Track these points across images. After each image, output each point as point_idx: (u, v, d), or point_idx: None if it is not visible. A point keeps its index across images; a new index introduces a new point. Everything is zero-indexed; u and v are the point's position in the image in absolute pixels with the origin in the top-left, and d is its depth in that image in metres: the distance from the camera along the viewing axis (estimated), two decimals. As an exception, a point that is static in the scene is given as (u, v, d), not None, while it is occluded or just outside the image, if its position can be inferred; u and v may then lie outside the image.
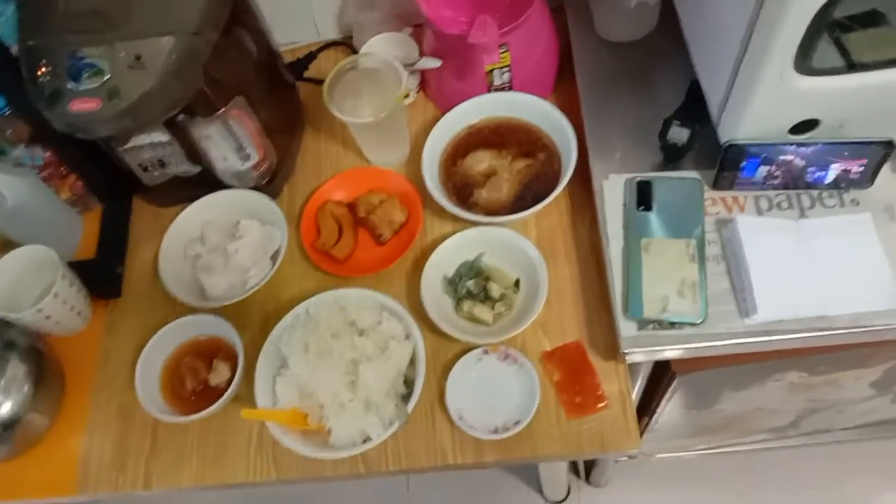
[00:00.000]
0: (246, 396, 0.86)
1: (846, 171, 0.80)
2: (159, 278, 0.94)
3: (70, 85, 0.76)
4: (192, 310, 0.92)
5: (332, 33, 1.14)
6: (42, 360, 0.90)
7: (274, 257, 0.95)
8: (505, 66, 0.95)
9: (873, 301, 0.76)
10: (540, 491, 1.57)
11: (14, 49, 0.83)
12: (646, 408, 1.06)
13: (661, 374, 0.94)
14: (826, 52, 0.71)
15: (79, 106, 0.76)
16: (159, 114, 0.81)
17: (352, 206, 0.99)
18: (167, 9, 0.78)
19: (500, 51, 0.92)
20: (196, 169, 0.97)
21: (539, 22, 0.95)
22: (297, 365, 0.83)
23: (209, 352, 0.90)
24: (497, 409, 0.83)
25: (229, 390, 0.84)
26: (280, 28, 1.05)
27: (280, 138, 1.00)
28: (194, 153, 0.94)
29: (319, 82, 1.10)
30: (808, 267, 0.78)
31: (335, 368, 0.82)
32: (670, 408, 1.05)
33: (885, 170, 0.81)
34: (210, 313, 0.91)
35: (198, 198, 0.99)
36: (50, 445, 0.91)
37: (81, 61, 0.76)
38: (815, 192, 0.83)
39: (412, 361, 0.84)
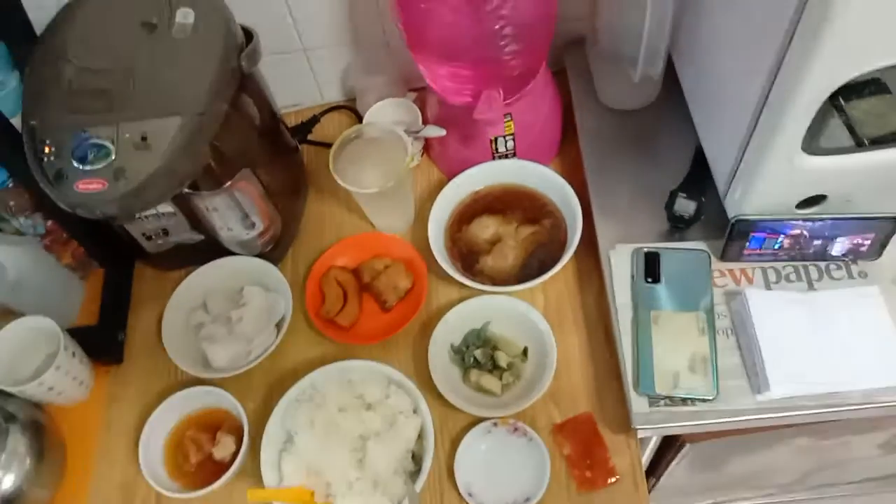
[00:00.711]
0: (251, 470, 0.85)
1: (854, 244, 0.81)
2: (162, 347, 0.93)
3: (75, 165, 0.75)
4: (195, 379, 0.91)
5: (335, 96, 1.15)
6: (43, 433, 0.89)
7: (278, 325, 0.94)
8: (509, 135, 0.95)
9: (883, 377, 0.75)
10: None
11: (15, 121, 0.83)
12: (653, 471, 1.06)
13: (671, 442, 0.93)
14: (833, 131, 0.72)
15: (84, 186, 0.75)
16: (165, 193, 0.80)
17: (356, 272, 0.98)
18: (173, 88, 0.78)
19: (504, 120, 0.93)
20: (199, 237, 0.96)
21: (542, 89, 0.96)
22: (304, 441, 0.82)
23: (213, 424, 0.89)
24: (507, 485, 0.82)
25: (234, 465, 0.83)
26: (283, 91, 1.05)
27: (284, 203, 1.00)
28: (198, 223, 0.93)
29: (323, 145, 1.10)
30: (817, 341, 0.78)
31: (342, 445, 0.81)
32: (677, 470, 1.04)
33: (893, 241, 0.81)
34: (214, 384, 0.89)
35: (201, 263, 0.98)
36: (50, 521, 0.89)
37: (87, 141, 0.76)
38: (822, 265, 0.84)
39: (420, 436, 0.83)
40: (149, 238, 0.95)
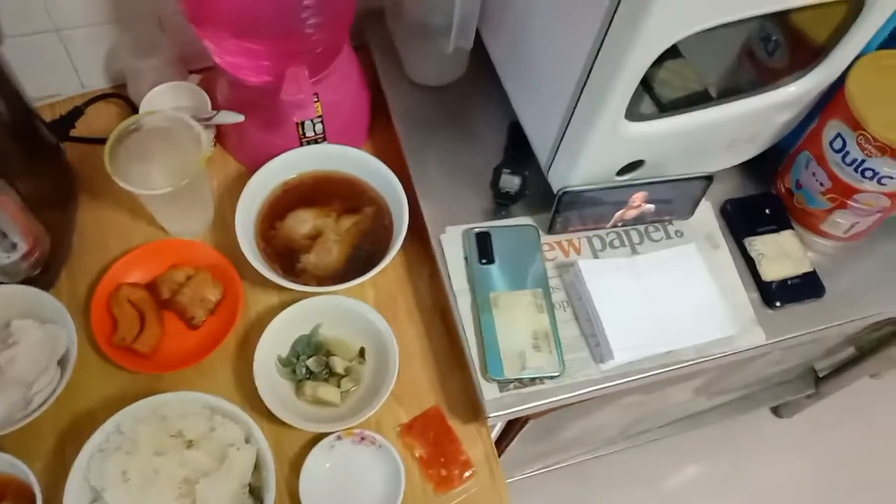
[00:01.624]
0: (50, 544, 0.70)
1: (668, 204, 0.83)
2: None
3: None
4: (-43, 445, 0.73)
5: (99, 82, 0.97)
6: None
7: (62, 363, 0.78)
8: (318, 118, 0.87)
9: (710, 331, 0.79)
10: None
11: None
12: (494, 450, 1.04)
13: (514, 422, 0.92)
14: (639, 98, 0.73)
15: None
16: None
17: (152, 288, 0.84)
18: None
19: (313, 101, 0.84)
20: (-58, 267, 0.77)
21: (347, 66, 0.88)
22: (116, 499, 0.68)
23: (-8, 496, 0.72)
24: (360, 500, 0.75)
25: (28, 543, 0.68)
26: (33, 79, 0.86)
27: (50, 215, 0.83)
28: (-63, 249, 0.74)
29: (93, 141, 0.94)
30: (649, 304, 0.79)
31: (166, 494, 0.69)
32: (514, 445, 1.04)
33: (702, 200, 0.85)
34: (-15, 447, 0.72)
35: (-53, 299, 0.79)
36: None
37: None
38: (642, 228, 0.86)
39: (257, 467, 0.73)
40: None
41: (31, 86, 0.86)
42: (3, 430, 0.73)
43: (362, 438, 0.77)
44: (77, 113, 0.94)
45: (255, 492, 0.72)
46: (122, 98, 0.97)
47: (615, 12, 0.59)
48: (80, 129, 0.95)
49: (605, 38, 0.61)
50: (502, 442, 0.99)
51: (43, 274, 0.82)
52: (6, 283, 0.80)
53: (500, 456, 1.03)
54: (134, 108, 0.95)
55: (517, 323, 0.78)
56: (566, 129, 0.73)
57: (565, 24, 0.68)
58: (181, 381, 0.78)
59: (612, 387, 0.77)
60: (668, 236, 0.85)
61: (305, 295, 0.82)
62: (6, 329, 0.79)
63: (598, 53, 0.63)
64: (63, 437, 0.77)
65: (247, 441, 0.73)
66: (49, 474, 0.73)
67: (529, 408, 0.76)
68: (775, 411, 1.71)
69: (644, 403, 1.06)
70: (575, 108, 0.70)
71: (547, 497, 1.56)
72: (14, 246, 0.77)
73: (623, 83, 0.64)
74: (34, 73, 0.87)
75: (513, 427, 0.92)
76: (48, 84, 0.95)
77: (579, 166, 0.76)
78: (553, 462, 1.37)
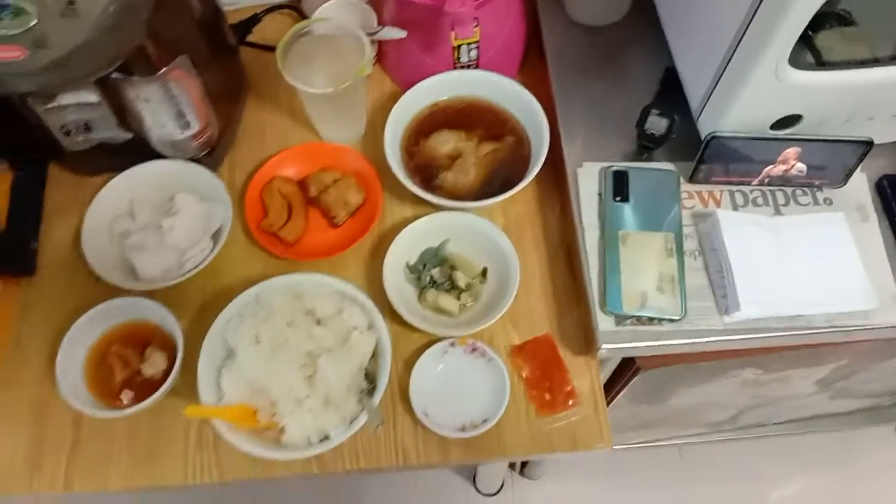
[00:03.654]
0: (182, 390, 0.78)
1: (820, 170, 0.80)
2: (81, 256, 0.83)
3: (-12, 28, 0.65)
4: (119, 293, 0.82)
5: (280, -6, 1.05)
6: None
7: (215, 237, 0.86)
8: (473, 43, 0.89)
9: (847, 301, 0.75)
10: (473, 481, 1.54)
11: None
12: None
13: (623, 370, 0.91)
14: (813, 46, 0.70)
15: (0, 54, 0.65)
16: (93, 70, 0.70)
17: (302, 185, 0.91)
18: (108, -52, 0.68)
19: (472, 24, 0.86)
20: (127, 136, 0.86)
21: (510, -3, 0.90)
22: (247, 357, 0.75)
23: (141, 339, 0.81)
24: (464, 406, 0.78)
25: (167, 382, 0.75)
26: (221, -14, 0.95)
27: (222, 105, 0.91)
28: (126, 118, 0.83)
29: (263, 48, 1.01)
30: (785, 265, 0.76)
31: (290, 361, 0.75)
32: (620, 403, 1.03)
33: (857, 170, 0.80)
34: (142, 296, 0.81)
35: (125, 168, 0.88)
36: (-50, 444, 0.79)
37: (2, 2, 0.65)
38: (789, 190, 0.82)
39: (374, 354, 0.78)
40: (67, 133, 0.84)
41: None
42: (158, 284, 0.82)
43: (474, 349, 0.80)
44: (255, 20, 1.02)
45: (370, 377, 0.77)
46: (296, 9, 1.04)
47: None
48: (255, 35, 1.03)
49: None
50: (611, 390, 0.98)
51: (208, 156, 0.90)
52: (176, 158, 0.88)
53: (607, 406, 1.04)
54: (306, 22, 1.01)
55: (644, 263, 0.78)
56: (725, 68, 0.71)
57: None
58: (314, 271, 0.83)
59: (732, 341, 0.76)
60: (816, 202, 0.82)
61: (438, 209, 0.85)
62: (171, 200, 0.87)
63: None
64: (205, 302, 0.85)
65: (369, 328, 0.78)
66: (189, 330, 0.80)
67: (644, 347, 0.76)
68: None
69: (762, 383, 1.02)
70: (738, 45, 0.68)
71: (644, 475, 1.54)
72: (188, 124, 0.85)
73: (789, 25, 0.62)
74: (226, -19, 0.95)
75: (623, 374, 0.92)
76: (234, -9, 1.03)
77: (733, 111, 0.74)
78: (655, 438, 1.35)
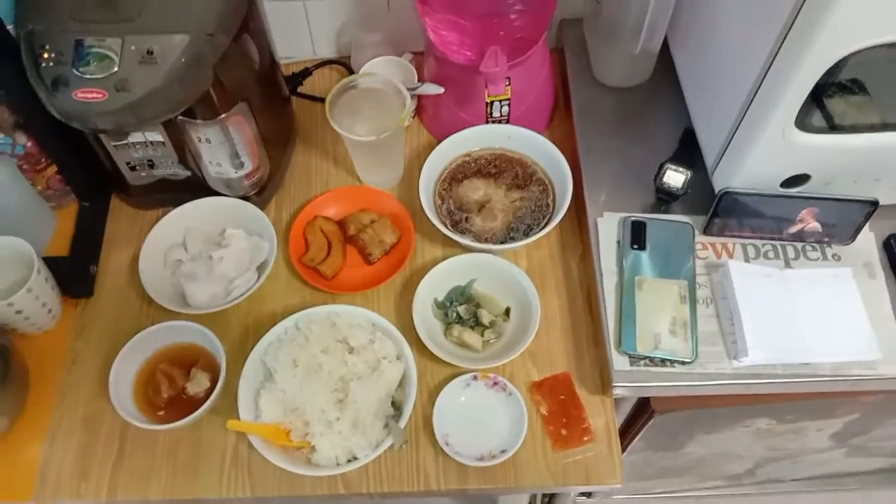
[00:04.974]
0: (222, 409, 0.84)
1: (830, 226, 0.84)
2: (136, 281, 0.91)
3: (76, 72, 0.73)
4: (170, 316, 0.89)
5: (328, 52, 1.14)
6: (8, 358, 0.85)
7: (260, 269, 0.93)
8: (505, 100, 0.97)
9: (852, 352, 0.79)
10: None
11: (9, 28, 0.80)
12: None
13: (640, 413, 0.95)
14: (822, 111, 0.75)
15: (84, 95, 0.73)
16: (163, 112, 0.79)
17: (342, 224, 0.98)
18: (183, 7, 0.77)
19: (504, 83, 0.94)
20: (186, 173, 0.94)
21: (541, 59, 0.97)
22: (284, 380, 0.81)
23: (187, 360, 0.87)
24: (484, 437, 0.82)
25: (210, 399, 0.81)
26: (278, 42, 1.04)
27: (273, 149, 0.99)
28: (186, 156, 0.92)
29: (313, 98, 1.10)
30: (792, 315, 0.81)
31: (324, 385, 0.80)
32: (638, 448, 1.06)
33: (865, 228, 0.85)
34: (191, 320, 0.88)
35: (181, 202, 0.96)
36: (8, 448, 0.85)
37: (90, 50, 0.74)
38: (799, 245, 0.87)
39: (401, 383, 0.83)
40: (133, 168, 0.93)
41: (278, 46, 1.04)
42: (205, 310, 0.88)
43: (495, 383, 0.85)
44: (307, 73, 1.11)
45: (396, 404, 0.82)
46: (345, 66, 1.13)
47: (795, 19, 0.63)
48: (306, 87, 1.12)
49: (782, 43, 0.66)
50: (627, 434, 1.02)
51: (258, 195, 0.98)
52: (228, 196, 0.96)
53: (623, 452, 1.07)
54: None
55: (658, 307, 0.82)
56: (736, 129, 0.77)
57: (747, 31, 0.73)
58: (350, 304, 0.90)
59: (741, 385, 0.80)
60: (825, 258, 0.86)
61: (466, 251, 0.92)
62: (221, 234, 0.95)
63: (774, 58, 0.68)
64: (248, 328, 0.91)
65: (398, 358, 0.83)
66: (232, 353, 0.87)
67: (656, 387, 0.80)
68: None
69: (776, 434, 1.04)
70: (747, 109, 0.74)
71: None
72: (242, 164, 0.93)
73: (795, 89, 0.68)
74: (279, 37, 1.04)
75: (640, 417, 0.95)
76: (288, 47, 1.12)
77: (744, 169, 0.79)
78: (674, 489, 1.36)
